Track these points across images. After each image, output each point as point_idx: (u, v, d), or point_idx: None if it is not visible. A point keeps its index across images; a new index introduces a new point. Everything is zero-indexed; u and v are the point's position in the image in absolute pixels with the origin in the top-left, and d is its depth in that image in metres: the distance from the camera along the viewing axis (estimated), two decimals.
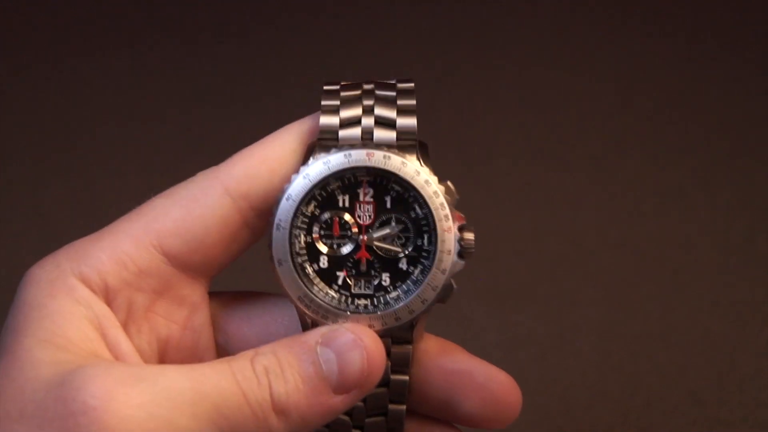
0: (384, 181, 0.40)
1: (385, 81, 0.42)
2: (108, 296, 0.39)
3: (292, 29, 1.01)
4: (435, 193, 0.39)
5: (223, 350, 0.43)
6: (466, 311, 0.70)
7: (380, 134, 0.40)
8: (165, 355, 0.42)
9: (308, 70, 0.97)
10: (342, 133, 0.40)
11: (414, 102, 0.41)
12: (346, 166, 0.39)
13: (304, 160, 0.40)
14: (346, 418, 0.41)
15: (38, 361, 0.36)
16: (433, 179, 0.39)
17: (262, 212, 0.40)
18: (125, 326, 0.40)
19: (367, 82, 0.42)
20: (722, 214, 0.82)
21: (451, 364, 0.41)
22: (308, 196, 0.39)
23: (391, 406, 0.41)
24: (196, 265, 0.41)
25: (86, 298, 0.38)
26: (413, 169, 0.39)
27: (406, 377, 0.40)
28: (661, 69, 0.96)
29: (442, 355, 0.41)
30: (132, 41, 1.01)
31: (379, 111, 0.41)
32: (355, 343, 0.38)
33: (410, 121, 0.40)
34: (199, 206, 0.40)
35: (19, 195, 0.85)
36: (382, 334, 0.39)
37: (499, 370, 0.41)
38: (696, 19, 1.02)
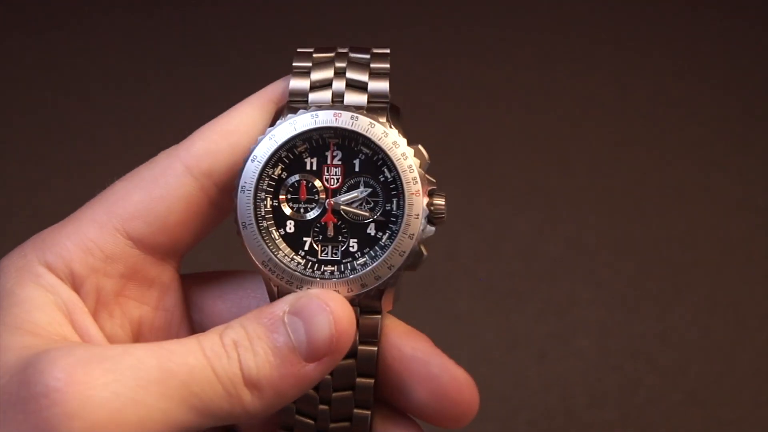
0: (352, 144, 0.38)
1: (360, 45, 0.40)
2: (75, 283, 0.39)
3: (289, 27, 1.01)
4: (403, 154, 0.37)
5: (199, 328, 0.42)
6: (465, 311, 0.70)
7: (351, 97, 0.38)
8: (140, 337, 0.41)
9: None
10: (312, 95, 0.39)
11: (388, 65, 0.39)
12: (313, 126, 0.38)
13: (272, 123, 0.39)
14: (313, 393, 0.39)
15: (6, 347, 0.35)
16: (402, 141, 0.37)
17: (227, 188, 0.39)
18: (96, 312, 0.39)
19: (341, 46, 0.40)
20: (722, 214, 0.82)
21: (411, 350, 0.39)
22: (274, 158, 0.38)
23: (359, 380, 0.39)
24: (162, 247, 0.40)
25: (53, 285, 0.38)
26: (381, 130, 0.37)
27: (375, 348, 0.38)
28: (661, 69, 0.96)
29: (404, 337, 0.39)
30: (132, 41, 1.01)
31: (351, 74, 0.39)
32: (322, 308, 0.36)
33: (382, 84, 0.38)
34: (159, 187, 0.39)
35: (19, 195, 0.85)
36: (350, 303, 0.37)
37: (457, 367, 0.39)
38: (696, 19, 1.02)
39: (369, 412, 0.39)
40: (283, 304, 0.37)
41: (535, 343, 0.72)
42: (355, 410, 0.39)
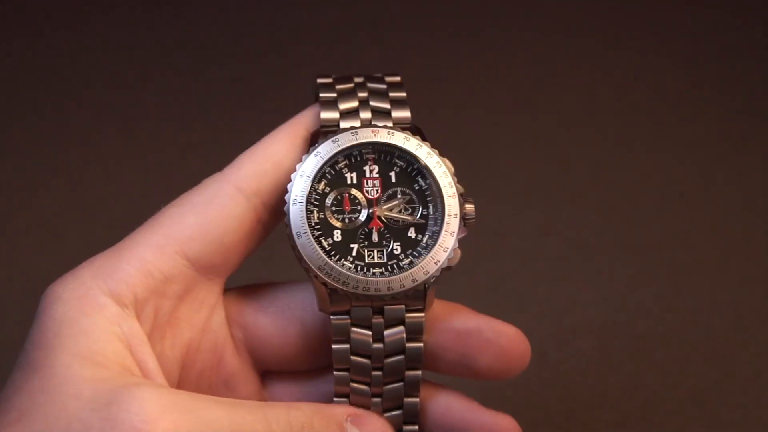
0: (388, 158, 0.43)
1: (373, 74, 0.45)
2: (137, 307, 0.40)
3: (289, 27, 1.01)
4: (437, 162, 0.43)
5: (241, 344, 0.44)
6: None
7: (379, 124, 0.43)
8: (186, 357, 0.43)
9: (305, 67, 0.97)
10: (343, 123, 0.43)
11: (404, 94, 0.44)
12: (354, 142, 0.42)
13: (311, 144, 0.43)
14: (365, 386, 0.43)
15: (79, 377, 0.36)
16: (434, 152, 0.43)
17: (272, 207, 0.42)
18: (150, 334, 0.40)
19: (357, 75, 0.45)
20: (723, 214, 0.82)
21: (461, 325, 0.43)
22: (320, 173, 0.42)
23: (408, 373, 0.43)
24: (216, 266, 0.42)
25: (116, 315, 0.39)
26: (415, 143, 0.42)
27: (421, 344, 0.42)
28: (661, 69, 0.96)
29: (451, 317, 0.43)
30: (133, 41, 1.01)
31: (375, 103, 0.43)
32: (380, 426, 0.41)
33: (404, 113, 0.43)
34: (214, 208, 0.41)
35: (19, 195, 0.85)
36: (398, 300, 0.41)
37: (505, 324, 0.44)
38: (696, 18, 1.02)
39: (417, 400, 0.44)
40: (344, 411, 0.41)
41: (535, 343, 0.71)
42: (406, 399, 0.44)
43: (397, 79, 0.45)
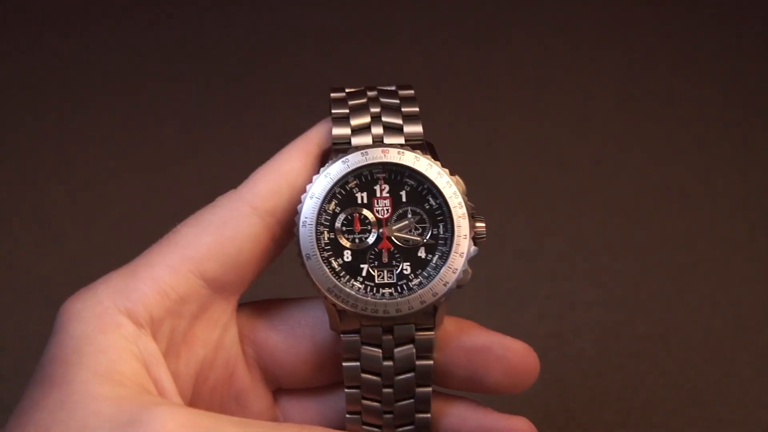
0: (398, 177, 0.43)
1: (386, 88, 0.45)
2: (153, 327, 0.40)
3: (291, 30, 1.01)
4: (448, 182, 0.42)
5: (252, 361, 0.45)
6: (466, 311, 0.70)
7: (390, 140, 0.43)
8: (200, 375, 0.43)
9: (308, 72, 0.97)
10: (354, 140, 0.43)
11: (417, 109, 0.44)
12: (364, 163, 0.42)
13: (322, 163, 0.43)
14: (376, 404, 0.43)
15: (98, 395, 0.36)
16: (444, 171, 0.42)
17: (286, 225, 0.42)
18: (165, 353, 0.41)
19: (370, 89, 0.44)
20: (723, 214, 0.82)
21: (470, 343, 0.44)
22: (330, 194, 0.42)
23: (418, 390, 0.43)
24: (231, 285, 0.42)
25: (133, 334, 0.39)
26: (426, 163, 0.42)
27: (431, 362, 0.43)
28: (661, 69, 0.96)
29: (460, 334, 0.44)
30: (133, 42, 1.01)
31: (387, 118, 0.43)
32: None
33: (416, 128, 0.43)
34: (229, 228, 0.41)
35: (19, 195, 0.85)
36: (407, 320, 0.42)
37: (514, 340, 0.44)
38: (696, 18, 1.02)
39: (429, 415, 0.44)
40: None
41: (535, 344, 0.71)
42: (417, 415, 0.44)
43: (411, 93, 0.44)
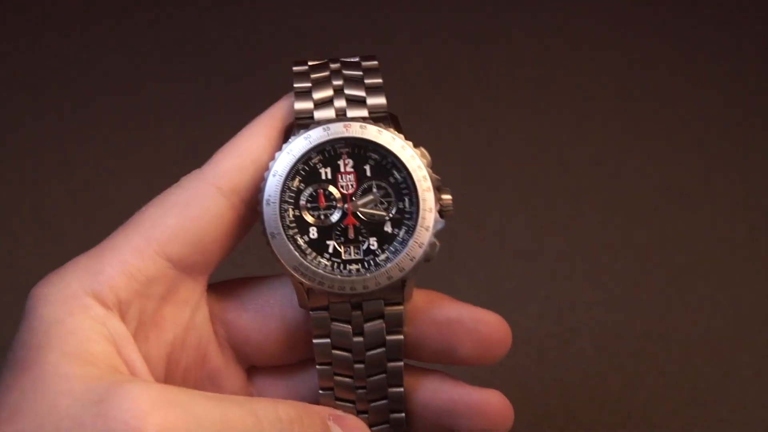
0: (362, 151, 0.42)
1: (349, 59, 0.44)
2: (121, 309, 0.40)
3: (289, 28, 1.01)
4: (411, 156, 0.41)
5: (224, 341, 0.45)
6: None
7: (353, 112, 0.42)
8: (171, 355, 0.43)
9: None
10: (317, 113, 0.42)
11: (381, 80, 0.43)
12: (326, 138, 0.41)
13: (284, 139, 0.42)
14: (348, 379, 0.43)
15: (68, 375, 0.36)
16: (408, 144, 0.42)
17: (251, 203, 0.42)
18: (135, 334, 0.41)
19: (333, 61, 0.44)
20: (723, 214, 0.82)
21: (441, 315, 0.44)
22: (293, 171, 0.42)
23: (390, 364, 0.43)
24: (197, 265, 0.42)
25: (101, 316, 0.39)
26: (389, 136, 0.42)
27: (401, 336, 0.43)
28: (661, 69, 0.96)
29: (430, 307, 0.44)
30: (133, 42, 1.01)
31: (349, 91, 0.43)
32: (360, 428, 0.42)
33: (380, 100, 0.43)
34: (194, 208, 0.41)
35: (19, 195, 0.85)
36: (375, 296, 0.41)
37: (485, 311, 0.44)
38: (696, 18, 1.02)
39: (402, 389, 0.44)
40: (325, 411, 0.42)
41: (535, 343, 0.72)
42: (390, 389, 0.44)
43: (374, 63, 0.44)
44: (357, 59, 0.45)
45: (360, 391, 0.44)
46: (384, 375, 0.44)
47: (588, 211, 0.82)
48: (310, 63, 0.44)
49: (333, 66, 0.44)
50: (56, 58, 0.98)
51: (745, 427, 0.66)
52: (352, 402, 0.44)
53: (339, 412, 0.42)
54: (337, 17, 1.03)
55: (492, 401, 0.44)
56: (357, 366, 0.43)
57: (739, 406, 0.67)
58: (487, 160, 0.87)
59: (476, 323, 0.44)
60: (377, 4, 1.04)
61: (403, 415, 0.45)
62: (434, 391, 0.45)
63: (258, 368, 0.47)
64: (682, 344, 0.71)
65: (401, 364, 0.43)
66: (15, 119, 0.92)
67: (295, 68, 0.44)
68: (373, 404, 0.44)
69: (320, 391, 0.44)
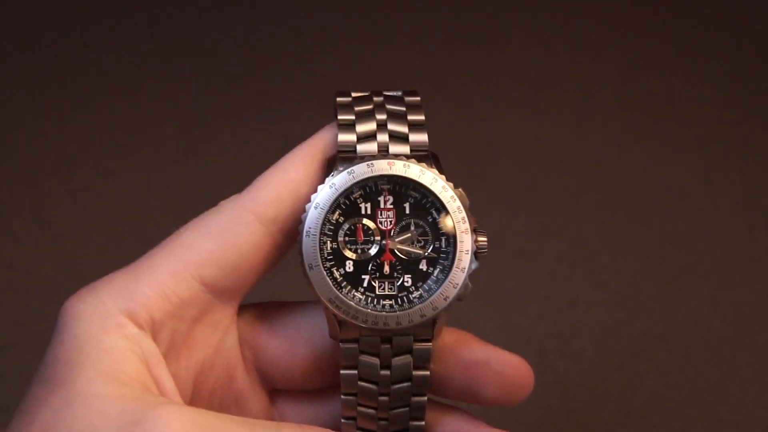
0: (403, 189, 0.43)
1: (392, 93, 0.44)
2: (154, 330, 0.40)
3: (290, 28, 1.01)
4: (452, 197, 0.42)
5: (250, 364, 0.45)
6: (466, 312, 0.70)
7: (395, 148, 0.43)
8: (199, 377, 0.43)
9: (308, 72, 0.97)
10: (360, 147, 0.43)
11: (423, 117, 0.44)
12: (369, 175, 0.42)
13: (327, 172, 0.43)
14: (372, 410, 0.44)
15: (103, 394, 0.36)
16: (449, 185, 0.42)
17: (288, 232, 0.42)
18: (165, 355, 0.41)
19: (376, 94, 0.44)
20: (723, 214, 0.82)
21: (469, 356, 0.44)
22: (334, 205, 0.42)
23: (414, 399, 0.44)
24: (231, 290, 0.43)
25: (135, 335, 0.39)
26: (431, 176, 0.42)
27: (428, 372, 0.43)
28: (661, 68, 0.96)
29: (459, 347, 0.44)
30: (133, 42, 1.01)
31: (393, 126, 0.43)
32: None
33: (422, 137, 0.43)
34: (231, 235, 0.42)
35: (19, 195, 0.85)
36: (407, 332, 0.42)
37: (511, 355, 0.44)
38: (696, 18, 1.02)
39: (423, 423, 0.44)
40: None
41: (535, 343, 0.72)
42: (411, 422, 0.45)
43: (417, 100, 0.44)
44: (400, 93, 0.45)
45: (382, 422, 0.44)
46: (407, 408, 0.44)
47: (588, 211, 0.82)
48: (353, 95, 0.44)
49: (376, 99, 0.44)
50: (56, 58, 0.98)
51: (745, 427, 0.66)
52: None
53: None
54: (337, 17, 1.03)
55: None
56: (381, 398, 0.44)
57: (739, 406, 0.67)
58: (487, 160, 0.87)
59: (502, 366, 0.44)
60: (377, 4, 1.04)
61: None
62: (455, 428, 0.45)
63: (280, 392, 0.47)
64: (682, 344, 0.71)
65: (425, 399, 0.44)
66: (15, 119, 0.92)
67: (338, 99, 0.44)
68: None
69: (342, 420, 0.44)
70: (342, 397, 0.44)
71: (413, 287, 0.42)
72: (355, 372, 0.43)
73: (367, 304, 0.42)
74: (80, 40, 1.00)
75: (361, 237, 0.43)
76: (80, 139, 0.89)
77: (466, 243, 0.42)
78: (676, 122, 0.91)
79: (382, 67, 0.96)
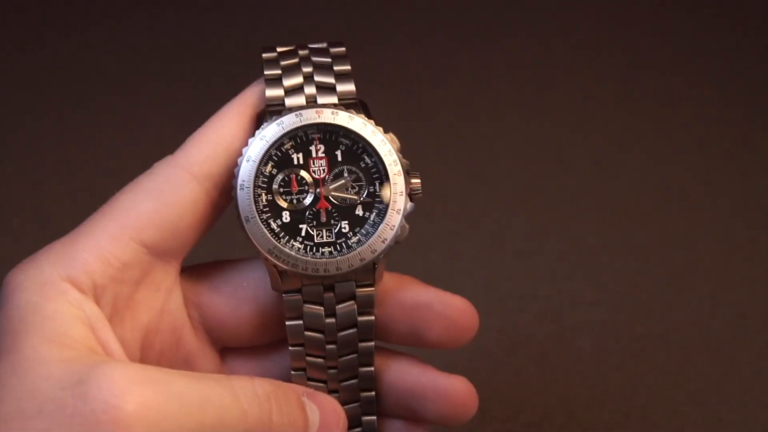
0: (333, 137, 0.43)
1: (317, 46, 0.45)
2: (96, 294, 0.41)
3: (289, 28, 1.01)
4: (382, 141, 0.43)
5: (197, 324, 0.45)
6: None
7: (323, 99, 0.43)
8: (146, 339, 0.44)
9: None
10: (288, 101, 0.43)
11: (349, 67, 0.44)
12: (299, 124, 0.42)
13: (258, 127, 0.43)
14: (320, 359, 0.45)
15: (48, 359, 0.36)
16: (378, 129, 0.43)
17: (224, 189, 0.43)
18: (110, 319, 0.41)
19: (301, 47, 0.45)
20: (723, 214, 0.82)
21: (410, 299, 0.45)
22: (266, 157, 0.42)
23: (361, 344, 0.44)
24: (172, 251, 0.43)
25: (78, 300, 0.39)
26: (360, 122, 0.43)
27: (372, 317, 0.44)
28: (661, 68, 0.96)
29: (401, 291, 0.45)
30: (133, 42, 1.01)
31: (319, 77, 0.44)
32: (334, 409, 0.43)
33: (349, 87, 0.44)
34: (168, 195, 0.42)
35: (19, 195, 0.84)
36: (348, 278, 0.43)
37: (454, 296, 0.45)
38: (696, 18, 1.02)
39: (372, 368, 0.45)
40: (299, 388, 0.42)
41: (535, 343, 0.72)
42: (360, 368, 0.45)
43: (342, 50, 0.45)
44: (325, 45, 0.45)
45: (331, 370, 0.45)
46: (355, 355, 0.45)
47: (588, 211, 0.82)
48: (279, 49, 0.45)
49: (302, 53, 0.45)
50: (56, 58, 0.98)
51: (745, 427, 0.66)
52: (324, 381, 0.45)
53: (313, 391, 0.43)
54: (337, 17, 1.03)
55: (457, 387, 0.45)
56: (329, 346, 0.44)
57: (739, 406, 0.67)
58: (487, 160, 0.87)
59: (445, 307, 0.44)
60: (377, 4, 1.04)
61: (374, 393, 0.46)
62: (402, 374, 0.46)
63: (231, 349, 0.47)
64: (682, 344, 0.71)
65: (372, 344, 0.44)
66: (15, 119, 0.92)
67: (264, 55, 0.45)
68: (344, 383, 0.45)
69: (292, 372, 0.45)
70: (290, 348, 0.44)
71: (351, 233, 0.43)
72: (301, 322, 0.44)
73: (306, 252, 0.42)
74: (80, 40, 1.00)
75: (296, 187, 0.43)
76: (80, 139, 0.89)
77: (399, 185, 0.43)
78: (676, 122, 0.91)
79: (382, 67, 0.96)
